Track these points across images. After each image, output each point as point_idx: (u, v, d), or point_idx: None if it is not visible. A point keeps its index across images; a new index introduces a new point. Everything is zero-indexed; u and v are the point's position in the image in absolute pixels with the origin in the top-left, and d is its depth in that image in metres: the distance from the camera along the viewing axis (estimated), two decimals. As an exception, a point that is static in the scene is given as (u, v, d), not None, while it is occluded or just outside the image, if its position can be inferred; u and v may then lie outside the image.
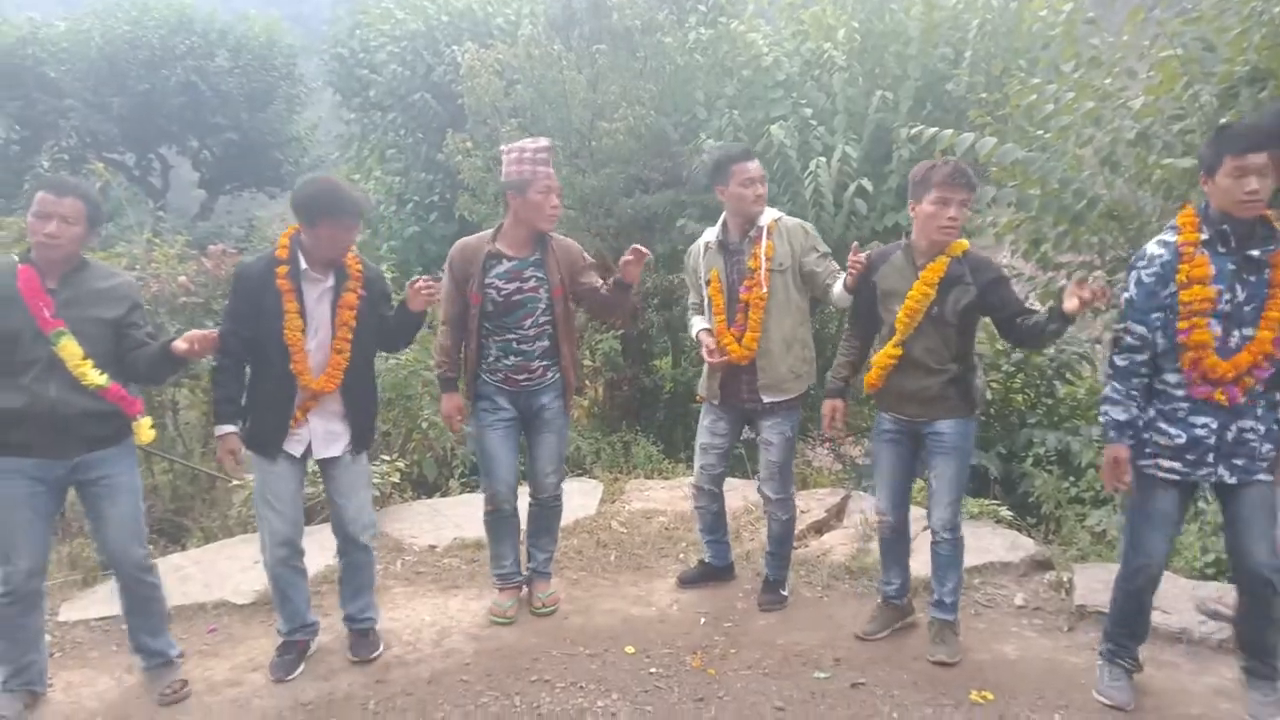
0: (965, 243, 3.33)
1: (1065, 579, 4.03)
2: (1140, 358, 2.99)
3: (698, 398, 4.05)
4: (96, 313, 3.06)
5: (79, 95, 14.59)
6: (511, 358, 3.69)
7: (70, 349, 2.99)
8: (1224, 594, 3.62)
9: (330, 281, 3.32)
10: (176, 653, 3.44)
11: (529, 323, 3.68)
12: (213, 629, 3.86)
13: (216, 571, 4.34)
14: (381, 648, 3.60)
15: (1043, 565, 4.23)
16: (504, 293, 3.65)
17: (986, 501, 4.93)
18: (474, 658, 3.56)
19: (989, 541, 4.36)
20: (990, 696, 3.19)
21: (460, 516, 4.90)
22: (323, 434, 3.39)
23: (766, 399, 3.75)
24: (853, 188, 6.25)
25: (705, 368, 3.88)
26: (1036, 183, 4.91)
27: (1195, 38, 4.33)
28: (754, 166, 3.70)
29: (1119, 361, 3.03)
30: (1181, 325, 2.89)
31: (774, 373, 3.72)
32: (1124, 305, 3.05)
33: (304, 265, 3.28)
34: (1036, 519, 5.14)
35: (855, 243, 3.56)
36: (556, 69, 7.28)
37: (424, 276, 3.39)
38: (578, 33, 7.76)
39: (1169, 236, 2.97)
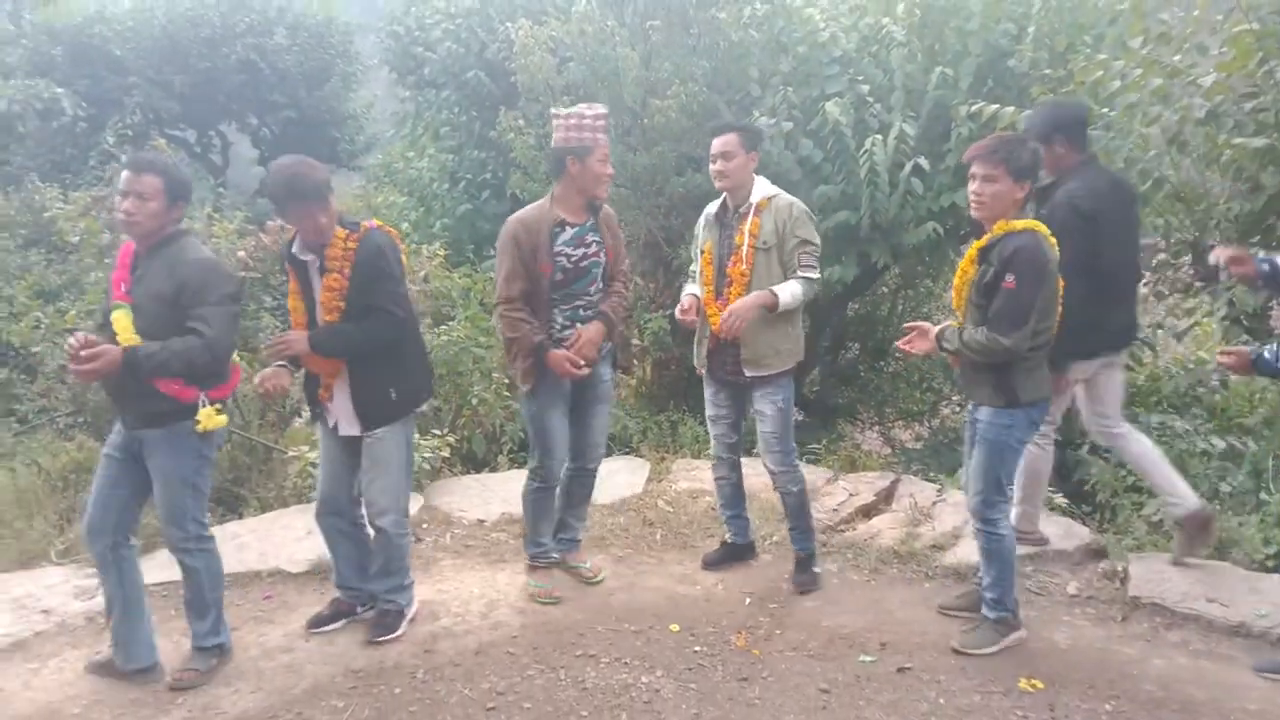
0: (1013, 224, 3.18)
1: (1120, 568, 3.94)
2: None
3: (698, 370, 4.06)
4: (158, 288, 3.09)
5: (142, 73, 14.88)
6: (577, 325, 3.72)
7: (121, 322, 3.05)
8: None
9: (318, 262, 3.34)
10: (213, 641, 3.35)
11: (594, 289, 3.75)
12: (268, 596, 3.96)
13: (272, 540, 4.44)
14: (396, 633, 3.55)
15: (1097, 554, 4.15)
16: (573, 259, 3.68)
17: (1040, 488, 4.83)
18: (520, 631, 3.60)
19: (1043, 528, 4.27)
20: (1040, 685, 3.15)
21: (508, 492, 4.94)
22: (343, 413, 3.45)
23: (749, 373, 3.76)
24: (909, 166, 6.14)
25: (695, 339, 3.95)
26: (1101, 162, 4.78)
27: (1273, 11, 4.16)
28: (717, 143, 3.71)
29: None
30: None
31: (754, 348, 3.72)
32: None
33: (294, 247, 3.37)
34: (1092, 507, 5.04)
35: None
36: (609, 46, 7.24)
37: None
38: (631, 9, 7.69)
39: None
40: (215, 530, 4.45)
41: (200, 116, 16.43)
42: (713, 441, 4.08)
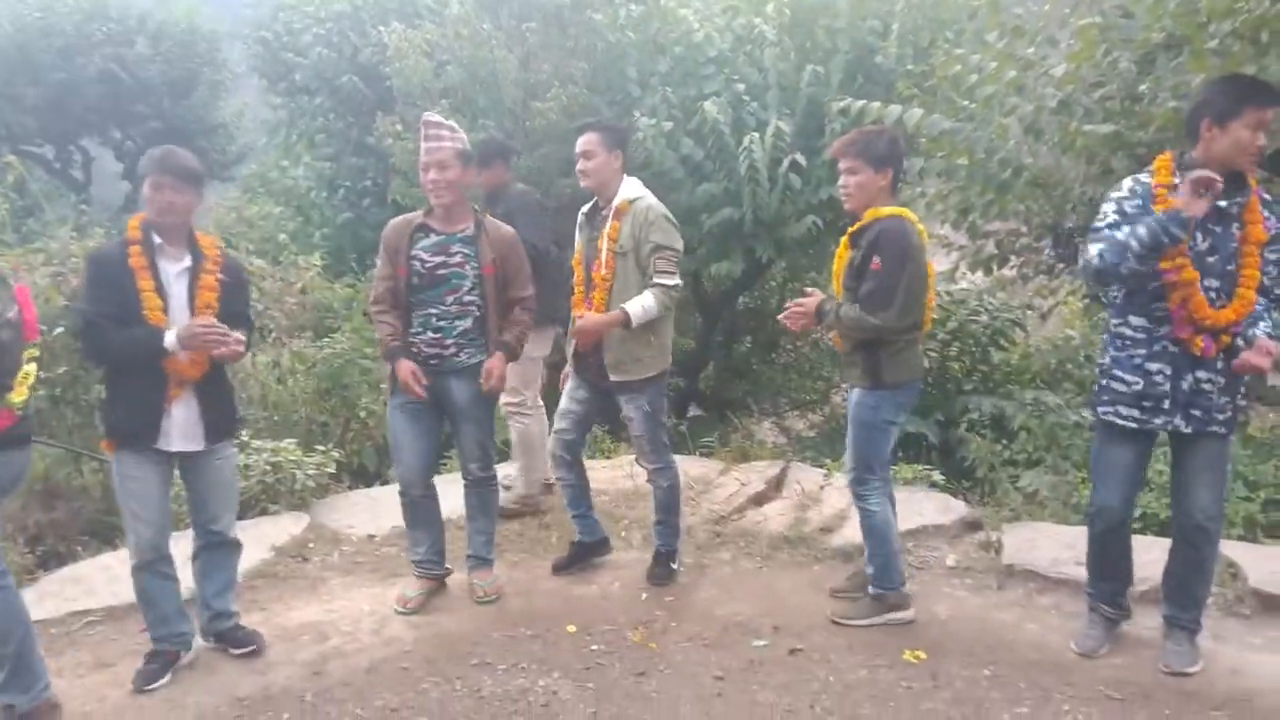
0: (880, 210, 3.31)
1: (994, 539, 4.13)
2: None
3: (567, 369, 4.07)
4: None
5: (-10, 86, 14.05)
6: (428, 333, 3.65)
7: None
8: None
9: (188, 261, 3.21)
10: (3, 699, 3.00)
11: (451, 299, 3.64)
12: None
13: (148, 570, 4.22)
14: (254, 646, 3.45)
15: (973, 526, 4.33)
16: (428, 265, 3.62)
17: (920, 467, 5.03)
18: (414, 645, 3.53)
19: (922, 505, 4.45)
20: (923, 656, 3.26)
21: (400, 505, 4.84)
22: (183, 425, 3.24)
23: (613, 377, 3.78)
24: (787, 162, 6.29)
25: (568, 335, 3.95)
26: (964, 153, 4.98)
27: (1114, 5, 4.40)
28: (580, 142, 3.74)
29: (1098, 245, 2.92)
30: (1165, 265, 2.88)
31: (615, 353, 3.75)
32: (1091, 234, 3.01)
33: (158, 240, 3.19)
34: (972, 483, 5.26)
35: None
36: (486, 49, 7.19)
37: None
38: (507, 11, 7.66)
39: (1144, 178, 3.00)
40: (85, 564, 4.29)
41: (58, 131, 15.57)
42: (553, 439, 4.03)
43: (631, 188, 3.77)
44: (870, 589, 3.55)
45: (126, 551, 4.43)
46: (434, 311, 3.64)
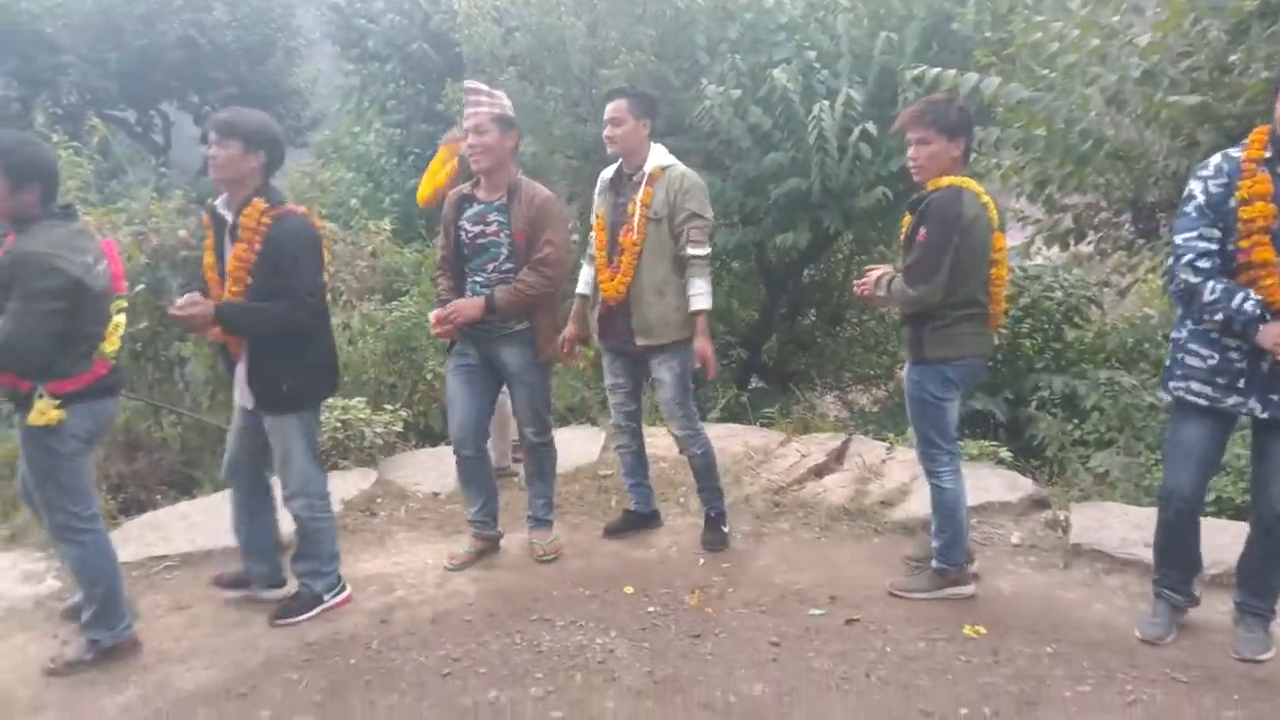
0: (940, 180, 3.24)
1: (1062, 517, 4.06)
2: (1217, 261, 2.86)
3: (592, 338, 4.10)
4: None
5: (76, 51, 14.47)
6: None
7: None
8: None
9: (230, 223, 3.24)
10: (90, 634, 3.19)
11: (491, 267, 3.69)
12: (219, 574, 3.92)
13: (223, 519, 4.33)
14: (301, 617, 3.46)
15: (1041, 505, 4.26)
16: (470, 235, 3.69)
17: (986, 443, 4.94)
18: (476, 598, 3.61)
19: (988, 481, 4.38)
20: (983, 630, 3.23)
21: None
22: (241, 383, 3.36)
23: (640, 341, 3.79)
24: (857, 132, 6.17)
25: (590, 301, 3.98)
26: (1042, 123, 4.84)
27: (1204, -29, 4.23)
28: (610, 107, 3.73)
29: (1201, 266, 2.85)
30: (1243, 244, 2.81)
31: (644, 317, 3.75)
32: (1181, 219, 2.93)
33: (216, 202, 3.29)
34: (1040, 462, 5.16)
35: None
36: (555, 15, 7.16)
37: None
38: (576, -23, 7.62)
39: (1234, 152, 2.90)
40: (164, 512, 4.47)
41: (139, 95, 16.03)
42: (612, 410, 4.08)
43: (662, 154, 3.78)
44: (934, 563, 3.51)
45: (203, 500, 4.65)
46: (480, 279, 3.71)
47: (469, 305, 3.65)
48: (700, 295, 3.71)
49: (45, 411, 2.93)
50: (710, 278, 3.76)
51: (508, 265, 3.67)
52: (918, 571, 3.60)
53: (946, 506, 3.44)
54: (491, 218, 3.67)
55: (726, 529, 4.05)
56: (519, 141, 3.86)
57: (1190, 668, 3.01)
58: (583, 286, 4.05)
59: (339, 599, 3.56)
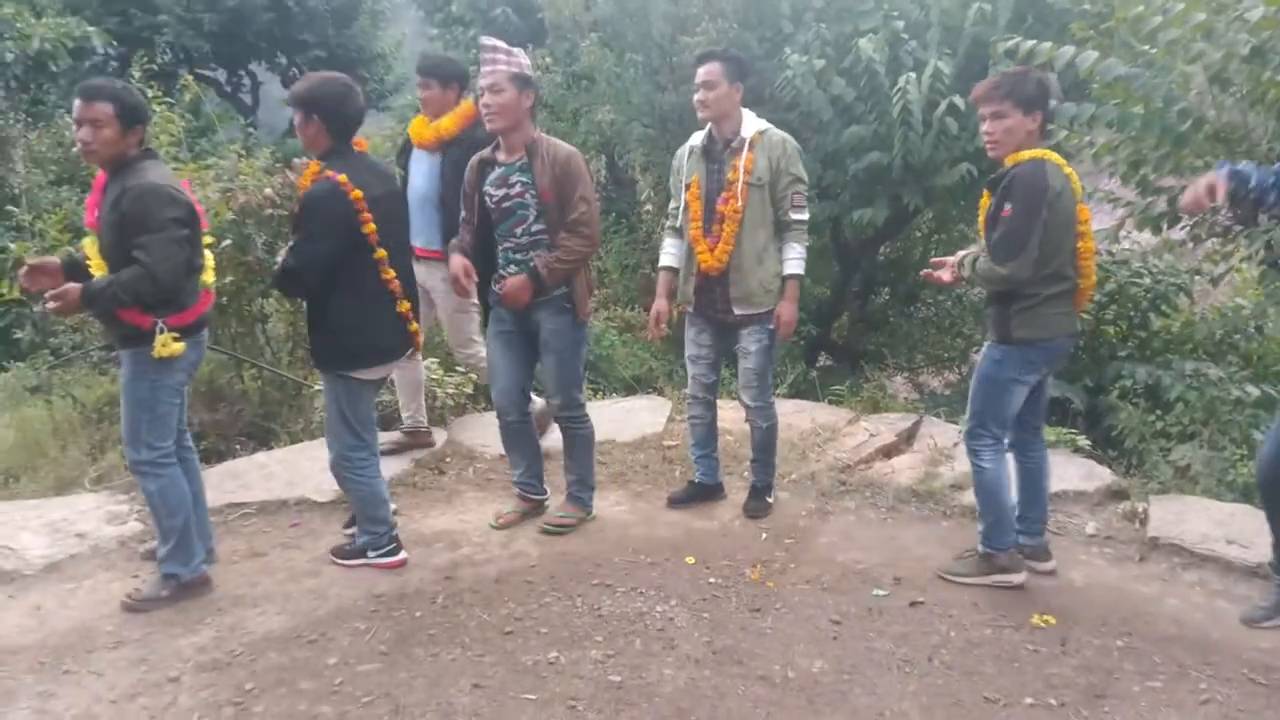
0: (1020, 155, 3.14)
1: (1140, 509, 3.93)
2: None
3: (680, 306, 4.04)
4: (109, 215, 3.09)
5: (172, 11, 14.86)
6: (511, 267, 3.65)
7: (90, 250, 3.19)
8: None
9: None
10: (168, 569, 3.35)
11: (520, 230, 3.60)
12: (295, 523, 4.05)
13: (299, 470, 4.52)
14: (351, 563, 3.59)
15: (1118, 495, 4.13)
16: (494, 199, 3.62)
17: (1064, 430, 4.80)
18: (539, 561, 3.67)
19: (1063, 469, 4.25)
20: (1052, 620, 3.17)
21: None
22: None
23: (738, 311, 3.75)
24: (944, 106, 6.00)
25: (682, 274, 3.91)
26: (1139, 101, 4.64)
27: (1327, -60, 3.98)
28: (701, 71, 3.65)
29: None
30: None
31: (744, 286, 3.71)
32: None
33: None
34: (1118, 452, 5.00)
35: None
36: (638, -19, 7.11)
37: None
38: (661, -57, 7.54)
39: None
40: (243, 461, 4.63)
41: (230, 56, 16.41)
42: (690, 381, 4.06)
43: (755, 119, 3.71)
44: (979, 547, 3.45)
45: (280, 452, 4.80)
46: (510, 245, 3.64)
47: (518, 288, 3.55)
48: (796, 260, 3.71)
49: (168, 344, 3.14)
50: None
51: (537, 226, 3.58)
52: (967, 556, 3.53)
53: (987, 487, 3.36)
54: (514, 179, 3.56)
55: (771, 499, 4.08)
56: (536, 101, 3.69)
57: (1271, 670, 2.90)
58: (670, 259, 3.96)
59: (387, 560, 3.59)
